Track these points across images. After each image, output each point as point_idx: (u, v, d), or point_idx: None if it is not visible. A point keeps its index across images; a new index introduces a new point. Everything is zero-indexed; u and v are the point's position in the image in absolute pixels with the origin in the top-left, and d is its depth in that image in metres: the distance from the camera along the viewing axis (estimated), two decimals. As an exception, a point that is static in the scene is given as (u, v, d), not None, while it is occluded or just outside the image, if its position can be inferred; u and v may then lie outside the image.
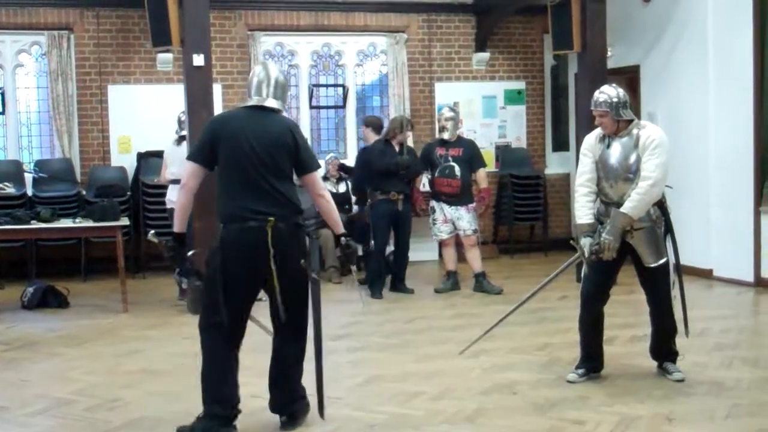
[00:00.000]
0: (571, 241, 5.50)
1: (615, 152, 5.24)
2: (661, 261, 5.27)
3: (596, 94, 5.31)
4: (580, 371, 5.42)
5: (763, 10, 8.39)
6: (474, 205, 8.71)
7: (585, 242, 5.22)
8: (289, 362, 4.60)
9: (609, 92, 5.25)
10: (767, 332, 7.24)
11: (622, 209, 5.12)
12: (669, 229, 5.31)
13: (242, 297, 4.45)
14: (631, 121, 5.25)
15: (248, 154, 4.41)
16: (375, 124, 9.31)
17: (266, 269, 4.35)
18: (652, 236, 5.25)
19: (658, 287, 5.35)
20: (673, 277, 5.30)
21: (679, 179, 10.19)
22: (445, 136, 8.74)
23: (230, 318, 4.35)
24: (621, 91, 5.28)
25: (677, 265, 5.37)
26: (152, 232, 4.93)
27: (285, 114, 4.74)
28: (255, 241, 4.33)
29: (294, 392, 4.62)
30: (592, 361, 5.45)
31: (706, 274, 8.97)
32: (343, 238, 4.76)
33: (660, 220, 5.28)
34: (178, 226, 4.59)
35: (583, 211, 5.31)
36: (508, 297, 7.62)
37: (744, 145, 8.55)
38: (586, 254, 5.21)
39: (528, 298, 5.78)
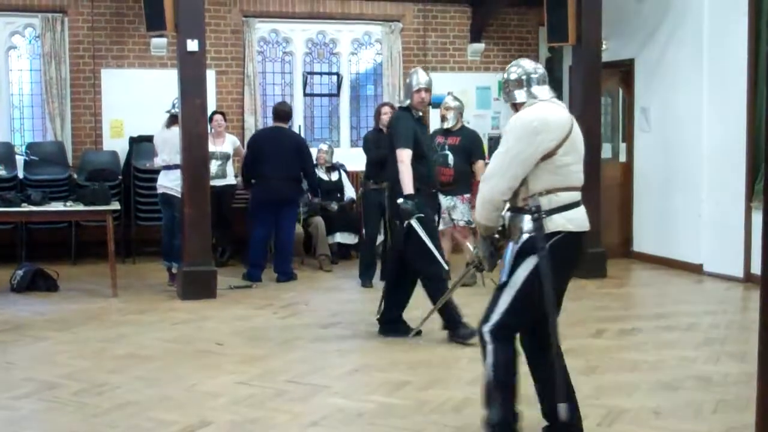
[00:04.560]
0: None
1: None
2: (500, 283, 3.96)
3: None
4: None
5: (758, 5, 8.38)
6: (469, 196, 8.61)
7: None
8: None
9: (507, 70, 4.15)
10: (755, 328, 7.23)
11: None
12: (534, 251, 3.79)
13: None
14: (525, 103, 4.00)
15: None
16: (276, 112, 8.99)
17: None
18: (508, 252, 3.97)
19: None
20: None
21: (672, 174, 10.22)
22: (446, 125, 8.70)
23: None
24: (519, 69, 4.05)
25: (549, 312, 3.77)
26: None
27: None
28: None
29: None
30: None
31: (696, 269, 8.98)
32: (399, 200, 6.09)
33: (521, 234, 3.86)
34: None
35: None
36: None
37: (736, 140, 8.55)
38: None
39: (449, 292, 5.66)
